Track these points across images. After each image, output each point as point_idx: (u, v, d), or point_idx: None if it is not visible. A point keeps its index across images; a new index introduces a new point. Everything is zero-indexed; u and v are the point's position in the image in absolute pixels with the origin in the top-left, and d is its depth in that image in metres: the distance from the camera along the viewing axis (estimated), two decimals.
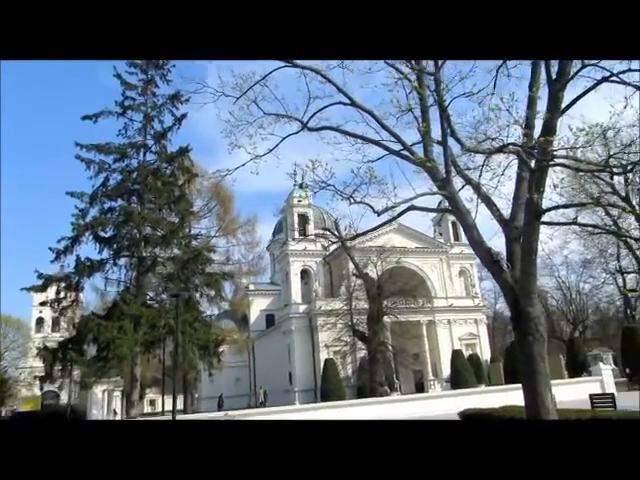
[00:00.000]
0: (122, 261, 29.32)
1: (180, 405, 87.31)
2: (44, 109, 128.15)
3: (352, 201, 10.42)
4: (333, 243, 30.83)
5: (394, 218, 11.73)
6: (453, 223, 56.08)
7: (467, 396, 29.35)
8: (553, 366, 37.72)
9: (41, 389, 31.22)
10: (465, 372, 40.10)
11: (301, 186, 52.52)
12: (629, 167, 10.13)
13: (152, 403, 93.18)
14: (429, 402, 29.86)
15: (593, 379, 30.85)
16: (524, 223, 10.07)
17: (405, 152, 11.53)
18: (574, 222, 10.38)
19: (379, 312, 33.04)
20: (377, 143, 11.58)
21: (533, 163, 9.22)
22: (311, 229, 54.32)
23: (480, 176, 11.25)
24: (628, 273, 45.40)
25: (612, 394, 15.13)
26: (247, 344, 66.40)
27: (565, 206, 9.90)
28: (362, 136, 11.78)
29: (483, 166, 10.81)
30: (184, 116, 30.00)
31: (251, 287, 68.83)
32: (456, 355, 42.07)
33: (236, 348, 41.04)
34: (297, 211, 54.44)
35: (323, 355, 46.45)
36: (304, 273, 54.13)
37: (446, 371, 47.48)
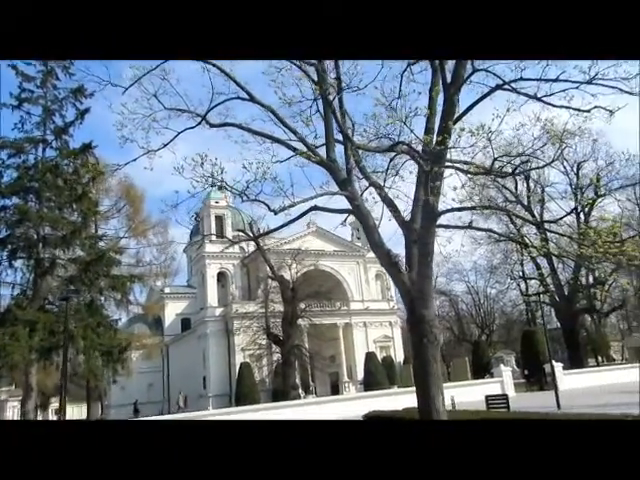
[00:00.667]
0: (18, 263, 27.25)
1: (84, 414, 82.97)
2: None
3: (244, 198, 10.14)
4: (242, 241, 30.33)
5: (297, 218, 11.51)
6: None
7: (378, 398, 29.82)
8: (459, 368, 39.44)
9: None
10: (378, 374, 40.84)
11: (220, 188, 51.34)
12: (511, 170, 10.55)
13: (57, 412, 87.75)
14: (341, 404, 29.98)
15: (494, 380, 32.31)
16: (420, 225, 10.22)
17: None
18: (469, 226, 10.66)
19: (293, 315, 32.90)
20: (280, 142, 11.36)
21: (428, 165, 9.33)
22: (229, 231, 53.37)
23: (385, 178, 11.41)
24: (530, 279, 48.23)
25: (506, 395, 15.81)
26: (160, 349, 64.43)
27: (459, 209, 10.12)
28: (265, 134, 11.53)
29: (388, 169, 10.94)
30: (87, 110, 28.43)
31: (166, 290, 66.65)
32: (369, 357, 42.78)
33: (146, 353, 39.01)
34: (214, 213, 53.33)
35: (239, 359, 45.70)
36: (221, 276, 53.12)
37: (361, 373, 48.12)
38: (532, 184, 44.86)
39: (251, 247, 50.09)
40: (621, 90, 9.80)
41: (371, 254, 58.09)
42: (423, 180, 9.71)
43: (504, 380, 31.62)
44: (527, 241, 12.02)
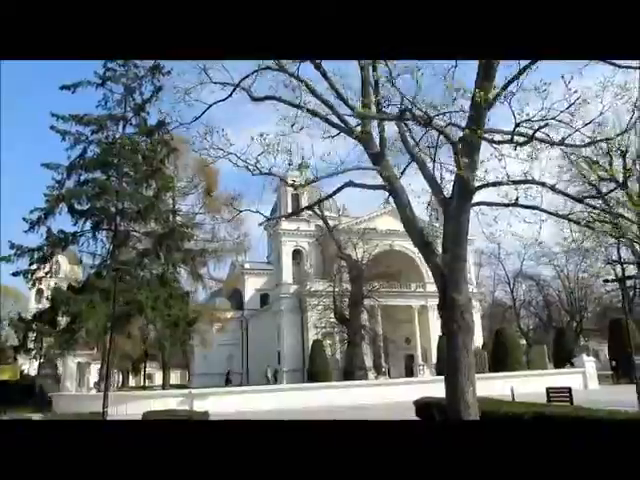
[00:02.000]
0: (100, 234, 28.91)
1: (175, 380, 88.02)
2: (20, 78, 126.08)
3: (255, 171, 9.73)
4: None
5: (332, 194, 11.02)
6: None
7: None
8: (538, 355, 37.22)
9: (14, 359, 30.98)
10: None
11: (300, 166, 51.59)
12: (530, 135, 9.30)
13: (149, 377, 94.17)
14: (409, 387, 29.29)
15: (575, 371, 30.18)
16: (455, 203, 9.37)
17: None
18: (512, 204, 9.56)
19: (359, 295, 32.39)
20: (316, 114, 10.80)
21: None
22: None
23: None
24: (627, 264, 44.28)
25: (569, 388, 14.43)
26: (240, 322, 66.69)
27: (493, 184, 9.08)
28: (300, 106, 11.02)
29: (420, 139, 10.09)
30: (161, 88, 29.18)
31: (246, 266, 68.53)
32: (442, 341, 41.39)
33: (221, 326, 40.26)
34: (291, 190, 53.62)
35: (312, 336, 46.08)
36: (297, 253, 53.57)
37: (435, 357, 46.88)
38: (629, 160, 40.72)
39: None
40: None
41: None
42: (453, 153, 8.81)
43: (586, 371, 29.39)
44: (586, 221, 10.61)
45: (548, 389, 15.34)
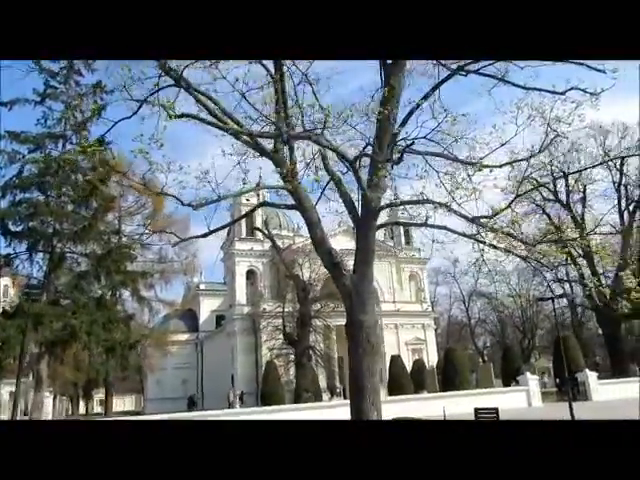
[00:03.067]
0: (37, 256, 27.77)
1: (130, 406, 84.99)
2: None
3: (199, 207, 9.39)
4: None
5: (246, 215, 10.76)
6: (405, 227, 55.66)
7: (398, 403, 28.57)
8: (484, 374, 37.49)
9: None
10: (402, 378, 39.32)
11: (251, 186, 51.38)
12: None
13: (101, 403, 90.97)
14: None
15: (518, 389, 30.41)
16: (360, 222, 9.27)
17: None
18: (421, 223, 9.51)
19: (306, 315, 32.06)
20: (225, 130, 10.53)
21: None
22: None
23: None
24: (569, 282, 45.44)
25: (496, 409, 14.37)
26: (196, 344, 65.21)
27: (395, 204, 9.00)
28: (212, 123, 10.76)
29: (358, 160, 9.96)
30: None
31: (201, 287, 67.41)
32: (394, 361, 41.30)
33: (164, 350, 39.11)
34: (245, 210, 53.18)
35: (266, 358, 45.35)
36: (251, 274, 52.93)
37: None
38: (572, 181, 42.07)
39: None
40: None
41: (404, 254, 56.72)
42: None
43: (530, 389, 29.65)
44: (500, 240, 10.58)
45: (476, 409, 15.25)
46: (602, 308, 40.48)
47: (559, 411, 21.65)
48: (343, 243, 48.97)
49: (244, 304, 50.37)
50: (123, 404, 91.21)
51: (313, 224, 9.94)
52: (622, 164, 39.93)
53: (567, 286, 52.24)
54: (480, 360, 61.47)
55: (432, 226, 9.61)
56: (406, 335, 53.55)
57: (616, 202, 41.98)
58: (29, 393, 33.21)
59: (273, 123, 9.70)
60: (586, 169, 38.21)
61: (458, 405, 26.85)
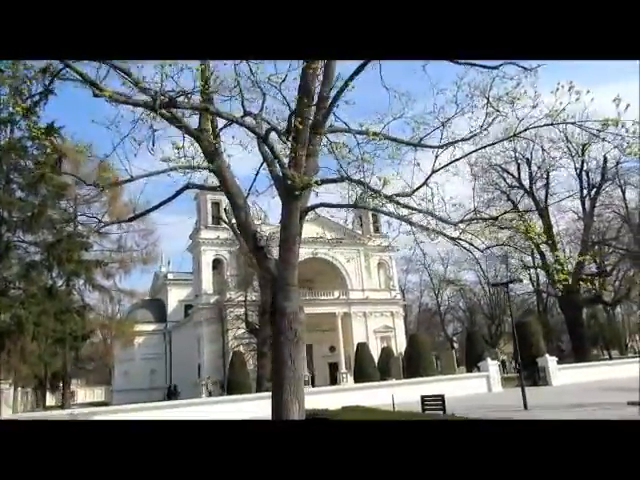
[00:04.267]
0: None
1: (99, 397, 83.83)
2: None
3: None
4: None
5: (172, 197, 10.18)
6: (374, 215, 55.40)
7: (360, 391, 28.44)
8: (447, 361, 37.68)
9: None
10: (368, 366, 39.32)
11: None
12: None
13: (71, 395, 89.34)
14: (317, 397, 28.65)
15: (479, 375, 30.58)
16: (282, 206, 8.84)
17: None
18: (354, 205, 9.11)
19: (267, 304, 31.56)
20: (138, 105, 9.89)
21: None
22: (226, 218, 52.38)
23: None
24: (535, 268, 45.85)
25: (442, 396, 14.16)
26: (164, 334, 64.34)
27: (322, 182, 8.58)
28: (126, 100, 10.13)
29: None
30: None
31: (169, 276, 66.40)
32: (360, 348, 41.28)
33: (123, 341, 38.32)
34: (211, 198, 52.29)
35: (233, 347, 44.89)
36: (218, 263, 52.19)
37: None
38: (535, 168, 42.31)
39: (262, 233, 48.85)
40: None
41: (372, 242, 56.55)
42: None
43: (490, 375, 29.81)
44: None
45: (423, 397, 15.05)
46: (564, 294, 40.98)
47: (516, 396, 21.76)
48: (314, 231, 49.08)
49: (211, 293, 49.67)
50: (93, 395, 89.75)
51: (238, 207, 9.47)
52: (583, 151, 40.26)
53: (533, 272, 53.05)
54: (449, 347, 62.03)
55: (363, 207, 9.24)
56: (375, 323, 53.61)
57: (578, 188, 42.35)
58: None
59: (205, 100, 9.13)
60: None
61: (418, 392, 26.85)
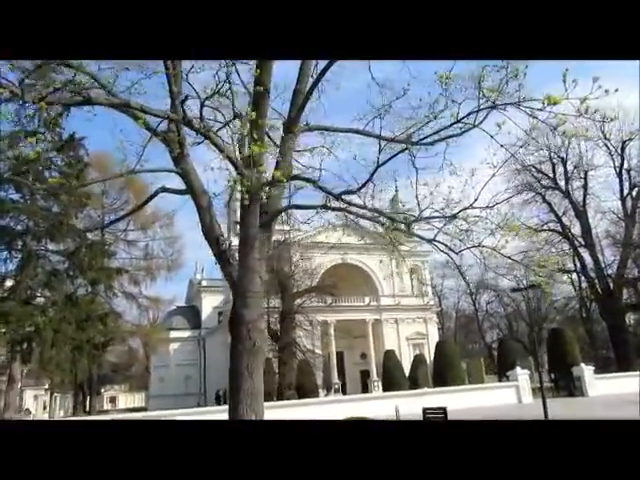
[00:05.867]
0: (8, 255, 27.39)
1: (139, 403, 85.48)
2: None
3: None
4: None
5: (144, 203, 9.91)
6: (405, 219, 54.36)
7: (387, 399, 27.56)
8: (474, 369, 36.23)
9: None
10: (397, 373, 38.31)
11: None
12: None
13: (112, 400, 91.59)
14: (344, 405, 27.97)
15: (508, 385, 29.18)
16: (241, 206, 8.41)
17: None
18: (324, 206, 8.55)
19: (287, 310, 31.24)
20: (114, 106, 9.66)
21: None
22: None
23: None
24: (571, 272, 43.76)
25: (444, 408, 13.30)
26: (198, 341, 64.96)
27: (271, 182, 8.05)
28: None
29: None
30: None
31: (203, 283, 67.04)
32: (388, 355, 40.30)
33: (152, 347, 38.74)
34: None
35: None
36: None
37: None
38: (571, 167, 40.43)
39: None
40: None
41: (404, 247, 55.21)
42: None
43: (520, 384, 28.38)
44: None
45: (424, 409, 14.22)
46: (605, 299, 38.89)
47: (540, 408, 20.49)
48: (343, 237, 48.59)
49: None
50: (134, 401, 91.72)
51: (203, 209, 9.08)
52: (623, 149, 38.17)
53: (574, 276, 50.65)
54: (481, 355, 60.07)
55: (333, 209, 8.69)
56: (407, 330, 52.46)
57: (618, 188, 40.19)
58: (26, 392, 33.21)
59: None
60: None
61: (443, 403, 25.81)
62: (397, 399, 27.63)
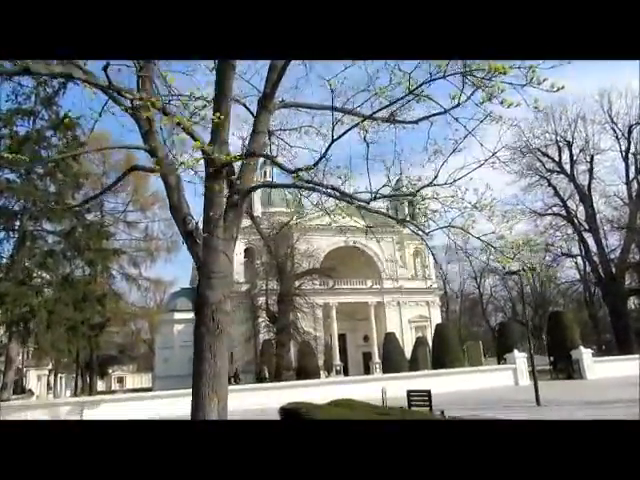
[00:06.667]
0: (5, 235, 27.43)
1: (146, 383, 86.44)
2: None
3: None
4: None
5: (116, 181, 9.73)
6: (410, 202, 53.95)
7: (374, 382, 27.52)
8: (473, 352, 36.12)
9: None
10: (397, 356, 38.30)
11: None
12: None
13: (120, 380, 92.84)
14: (340, 387, 27.98)
15: (505, 367, 29.12)
16: (205, 183, 8.24)
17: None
18: (268, 184, 8.33)
19: (286, 293, 31.15)
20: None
21: None
22: (258, 207, 52.35)
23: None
24: (569, 256, 43.31)
25: (428, 391, 13.15)
26: None
27: (236, 158, 7.84)
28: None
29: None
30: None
31: None
32: (388, 338, 40.25)
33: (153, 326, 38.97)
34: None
35: (264, 336, 44.82)
36: (250, 251, 52.20)
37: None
38: (576, 151, 39.74)
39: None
40: None
41: (407, 230, 54.94)
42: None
43: (517, 367, 28.25)
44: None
45: (409, 392, 14.08)
46: (608, 283, 38.47)
47: (543, 390, 20.37)
48: (347, 220, 48.21)
49: (242, 282, 49.73)
50: (141, 381, 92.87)
51: (171, 187, 8.85)
52: (630, 132, 37.41)
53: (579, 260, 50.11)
54: (492, 337, 59.97)
55: (297, 187, 8.45)
56: (409, 313, 52.42)
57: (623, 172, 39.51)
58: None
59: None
60: None
61: (440, 385, 25.77)
62: (394, 381, 27.65)
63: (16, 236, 26.88)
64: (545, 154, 41.21)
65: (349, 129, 7.57)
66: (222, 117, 7.51)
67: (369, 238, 44.43)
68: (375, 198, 8.00)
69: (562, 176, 41.15)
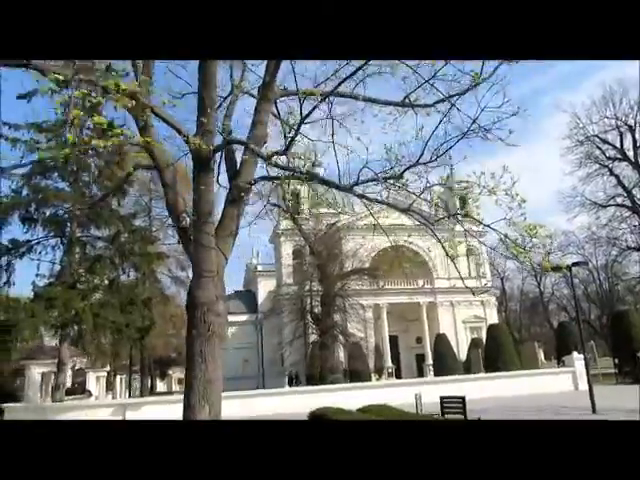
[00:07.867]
0: (57, 241, 28.38)
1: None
2: None
3: None
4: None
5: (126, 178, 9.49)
6: (461, 198, 52.13)
7: (428, 385, 26.48)
8: (529, 353, 34.14)
9: None
10: (449, 358, 36.89)
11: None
12: None
13: (180, 382, 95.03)
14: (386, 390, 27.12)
15: (564, 370, 27.27)
16: (194, 176, 7.81)
17: None
18: (294, 175, 7.80)
19: (327, 294, 30.53)
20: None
21: None
22: (304, 208, 52.04)
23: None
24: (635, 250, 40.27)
25: (463, 398, 12.14)
26: (255, 325, 65.75)
27: (228, 142, 7.37)
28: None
29: None
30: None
31: (259, 268, 67.59)
32: (439, 340, 38.86)
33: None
34: (291, 188, 52.07)
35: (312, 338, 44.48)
36: (299, 253, 52.02)
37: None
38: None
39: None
40: None
41: (459, 227, 52.95)
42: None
43: (576, 370, 26.34)
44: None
45: (442, 398, 13.11)
46: None
47: (600, 395, 18.78)
48: (395, 219, 47.26)
49: (291, 283, 49.57)
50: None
51: (167, 184, 8.54)
52: None
53: None
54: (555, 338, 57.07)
55: (297, 178, 7.89)
56: (463, 313, 50.63)
57: None
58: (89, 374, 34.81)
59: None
60: None
61: (491, 389, 24.47)
62: (443, 385, 26.49)
63: (65, 242, 27.73)
64: (605, 141, 38.63)
65: (314, 107, 6.94)
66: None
67: (422, 236, 43.06)
68: (358, 183, 7.32)
69: (625, 163, 38.41)
